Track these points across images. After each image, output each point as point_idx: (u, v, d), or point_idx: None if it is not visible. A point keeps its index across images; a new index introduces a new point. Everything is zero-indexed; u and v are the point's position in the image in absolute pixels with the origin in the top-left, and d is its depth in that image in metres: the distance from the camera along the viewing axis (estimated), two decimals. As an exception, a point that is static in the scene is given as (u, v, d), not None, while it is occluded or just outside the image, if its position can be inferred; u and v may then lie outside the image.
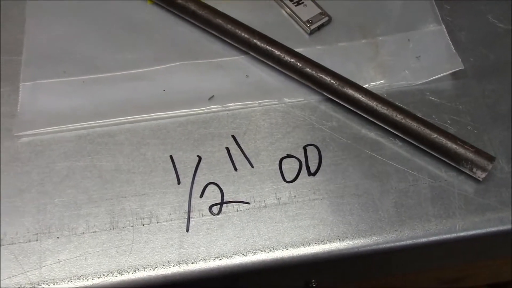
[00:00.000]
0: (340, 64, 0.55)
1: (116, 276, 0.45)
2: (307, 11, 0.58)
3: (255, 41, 0.54)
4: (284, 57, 0.53)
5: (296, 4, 0.58)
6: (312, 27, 0.57)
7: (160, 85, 0.54)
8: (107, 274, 0.45)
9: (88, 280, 0.45)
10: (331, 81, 0.52)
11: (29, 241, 0.46)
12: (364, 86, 0.53)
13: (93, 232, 0.47)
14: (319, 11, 0.58)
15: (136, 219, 0.47)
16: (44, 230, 0.47)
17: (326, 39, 0.57)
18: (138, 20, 0.58)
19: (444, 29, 0.57)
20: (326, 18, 0.58)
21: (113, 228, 0.47)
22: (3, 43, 0.56)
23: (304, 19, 0.58)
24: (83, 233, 0.47)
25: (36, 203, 0.48)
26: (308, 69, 0.53)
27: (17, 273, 0.45)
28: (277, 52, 0.54)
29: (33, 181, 0.49)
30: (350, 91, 0.51)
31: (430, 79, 0.54)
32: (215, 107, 0.53)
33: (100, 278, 0.45)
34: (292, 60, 0.53)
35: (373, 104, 0.51)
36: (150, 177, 0.49)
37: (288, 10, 0.59)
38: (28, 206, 0.48)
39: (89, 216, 0.48)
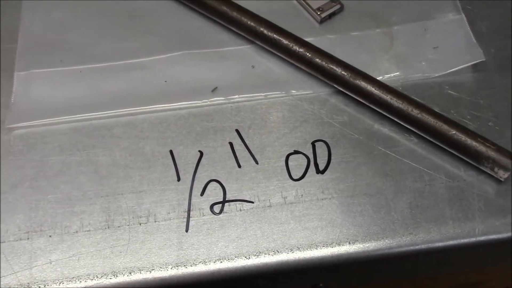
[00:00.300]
0: (352, 54, 0.51)
1: (111, 278, 0.42)
2: (318, -2, 0.55)
3: (261, 29, 0.51)
4: (292, 47, 0.50)
5: (306, -10, 0.55)
6: (323, 15, 0.54)
7: (161, 75, 0.51)
8: (101, 276, 0.42)
9: (81, 282, 0.42)
10: (342, 72, 0.49)
11: (20, 239, 0.44)
12: (378, 78, 0.49)
13: (87, 231, 0.44)
14: (330, -2, 0.55)
15: (133, 217, 0.45)
16: (36, 228, 0.44)
17: (337, 28, 0.54)
18: (138, 7, 0.55)
19: (464, 18, 0.53)
20: (338, 6, 0.54)
21: (108, 227, 0.44)
22: (-3, 30, 0.54)
23: (314, 7, 0.54)
24: (77, 232, 0.44)
25: (28, 199, 0.46)
26: (317, 59, 0.50)
27: (7, 273, 0.43)
28: (285, 42, 0.50)
29: (26, 176, 0.47)
30: (362, 84, 0.48)
31: (448, 71, 0.51)
32: (218, 99, 0.50)
33: (94, 280, 0.42)
34: (300, 50, 0.50)
35: (387, 97, 0.47)
36: (148, 173, 0.47)
37: (298, -3, 0.55)
38: (20, 202, 0.46)
39: (84, 214, 0.45)
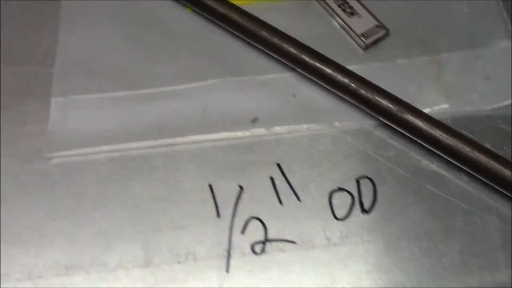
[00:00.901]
0: (398, 84, 0.49)
1: (150, 319, 0.41)
2: (362, 23, 0.52)
3: (303, 57, 0.49)
4: (336, 77, 0.48)
5: (349, 15, 0.53)
6: (368, 41, 0.52)
7: (199, 104, 0.50)
8: (140, 317, 0.42)
9: (119, 322, 0.41)
10: (389, 105, 0.47)
11: (58, 275, 0.43)
12: (425, 111, 0.47)
13: (126, 268, 0.43)
14: (376, 23, 0.52)
15: (172, 255, 0.44)
16: (74, 263, 0.44)
17: (382, 55, 0.52)
18: (176, 30, 0.54)
19: (518, 46, 0.51)
20: (383, 32, 0.52)
21: (147, 265, 0.43)
22: (33, 53, 0.53)
23: (359, 32, 0.52)
24: (115, 269, 0.43)
25: (66, 233, 0.45)
26: (363, 90, 0.47)
27: (46, 311, 0.42)
28: (328, 71, 0.48)
29: (63, 208, 0.46)
30: (410, 118, 0.46)
31: (501, 104, 0.48)
32: (259, 131, 0.48)
33: (133, 321, 0.41)
34: (345, 80, 0.48)
35: (436, 133, 0.45)
36: (187, 208, 0.45)
37: (340, 21, 0.53)
38: (58, 235, 0.45)
39: (122, 250, 0.44)
